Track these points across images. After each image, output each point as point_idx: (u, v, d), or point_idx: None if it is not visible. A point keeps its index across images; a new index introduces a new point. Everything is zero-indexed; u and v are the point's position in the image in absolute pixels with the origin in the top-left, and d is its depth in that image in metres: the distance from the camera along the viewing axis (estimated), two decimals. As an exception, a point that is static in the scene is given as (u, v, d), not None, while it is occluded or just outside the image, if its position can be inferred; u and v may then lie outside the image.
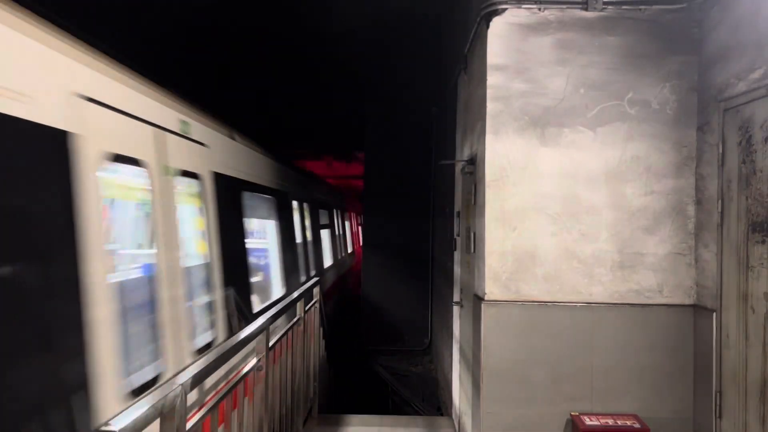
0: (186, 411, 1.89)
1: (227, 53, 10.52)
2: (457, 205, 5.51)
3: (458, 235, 5.37)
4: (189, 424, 1.96)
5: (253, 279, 4.50)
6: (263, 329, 3.02)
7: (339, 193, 14.57)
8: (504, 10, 3.69)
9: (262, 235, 5.54)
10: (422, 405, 8.53)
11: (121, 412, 1.64)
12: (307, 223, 7.98)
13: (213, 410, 2.24)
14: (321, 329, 5.31)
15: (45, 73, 1.93)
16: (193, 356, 2.99)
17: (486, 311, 3.64)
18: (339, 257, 12.62)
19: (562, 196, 3.65)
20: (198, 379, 2.04)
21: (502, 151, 3.67)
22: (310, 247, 7.92)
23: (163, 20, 8.42)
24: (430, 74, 9.10)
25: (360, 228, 17.44)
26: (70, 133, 2.01)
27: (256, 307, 4.33)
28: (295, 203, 6.79)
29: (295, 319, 4.07)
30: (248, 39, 9.95)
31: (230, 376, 3.09)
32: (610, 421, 3.43)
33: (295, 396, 4.06)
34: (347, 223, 16.65)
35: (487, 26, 3.72)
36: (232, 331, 3.56)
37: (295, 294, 4.15)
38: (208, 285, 3.42)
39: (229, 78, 11.84)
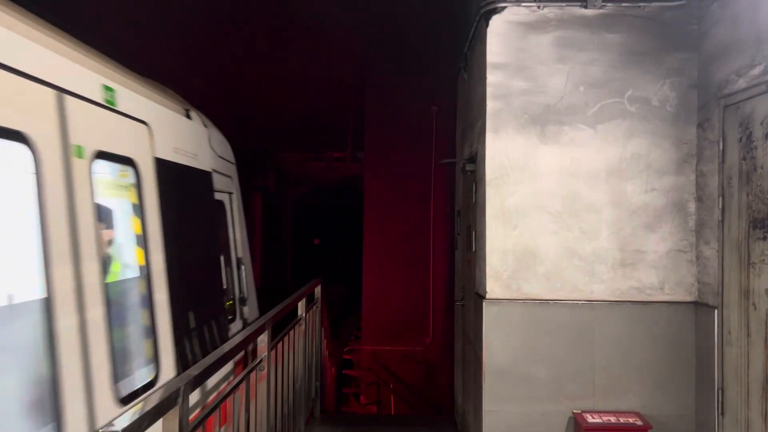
0: (188, 411, 1.90)
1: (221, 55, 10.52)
2: (458, 204, 5.51)
3: (459, 234, 5.37)
4: (191, 424, 1.95)
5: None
6: (265, 328, 3.02)
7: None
8: (503, 8, 3.69)
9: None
10: (423, 404, 8.53)
11: (123, 413, 1.64)
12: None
13: (215, 410, 2.24)
14: (322, 329, 5.30)
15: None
16: None
17: (487, 310, 3.63)
18: None
19: (562, 194, 3.65)
20: (200, 379, 2.04)
21: (503, 149, 3.67)
22: None
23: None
24: (430, 72, 9.09)
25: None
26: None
27: None
28: None
29: (296, 319, 4.07)
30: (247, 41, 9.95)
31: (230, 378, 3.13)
32: (612, 419, 3.43)
33: (296, 396, 4.06)
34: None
35: (487, 25, 3.72)
36: None
37: (296, 294, 4.15)
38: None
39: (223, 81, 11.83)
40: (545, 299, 3.63)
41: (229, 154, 3.99)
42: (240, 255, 3.93)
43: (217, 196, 3.66)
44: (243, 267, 3.93)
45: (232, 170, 4.04)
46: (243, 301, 3.80)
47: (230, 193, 3.89)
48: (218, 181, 3.60)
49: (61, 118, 1.90)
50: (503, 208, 3.66)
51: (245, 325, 3.70)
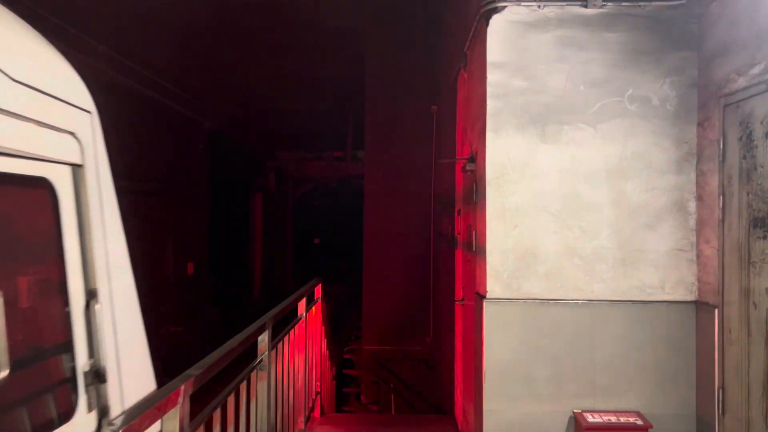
0: (188, 410, 1.90)
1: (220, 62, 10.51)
2: (458, 203, 5.52)
3: (459, 233, 5.37)
4: (191, 424, 1.96)
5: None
6: (265, 328, 3.02)
7: None
8: (503, 7, 3.69)
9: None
10: (424, 404, 8.54)
11: (123, 413, 1.64)
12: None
13: (215, 409, 2.24)
14: (323, 328, 5.31)
15: None
16: None
17: (487, 309, 3.64)
18: None
19: (562, 194, 3.65)
20: (200, 379, 2.04)
21: (503, 149, 3.67)
22: None
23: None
24: (430, 72, 9.10)
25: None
26: None
27: None
28: None
29: (297, 318, 4.07)
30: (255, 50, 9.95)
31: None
32: (613, 418, 3.43)
33: (297, 395, 4.07)
34: None
35: (487, 24, 3.72)
36: None
37: (296, 294, 4.16)
38: None
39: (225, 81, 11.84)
40: (546, 299, 3.64)
41: (73, 91, 1.91)
42: (94, 285, 1.87)
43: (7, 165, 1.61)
44: (100, 307, 1.85)
45: (80, 123, 1.97)
46: (98, 376, 1.80)
47: (74, 166, 1.87)
48: (10, 134, 1.59)
49: None
50: (503, 207, 3.66)
51: (103, 418, 1.77)
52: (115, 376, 1.84)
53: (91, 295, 1.85)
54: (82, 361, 1.73)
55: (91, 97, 1.99)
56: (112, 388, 1.83)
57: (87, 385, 1.73)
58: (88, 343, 1.79)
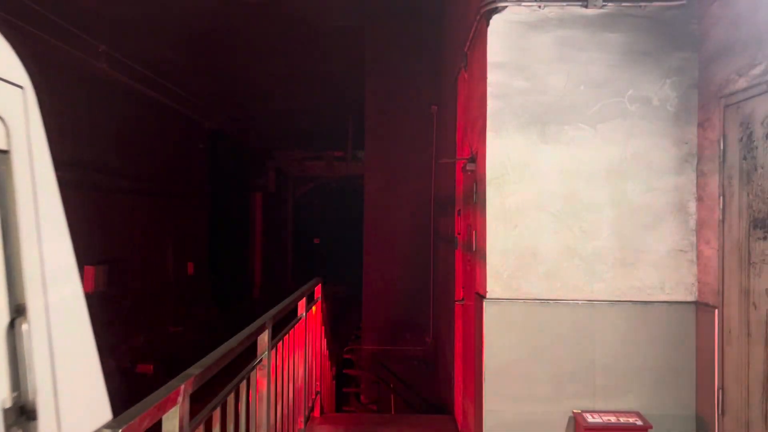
0: (188, 409, 1.90)
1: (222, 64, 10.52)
2: (458, 204, 5.52)
3: (459, 234, 5.37)
4: (191, 423, 1.96)
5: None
6: (265, 328, 3.03)
7: None
8: (504, 8, 3.69)
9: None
10: (423, 404, 8.54)
11: (123, 413, 1.64)
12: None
13: (215, 408, 2.24)
14: (323, 328, 5.31)
15: None
16: None
17: (487, 309, 3.64)
18: None
19: (563, 194, 3.65)
20: (200, 378, 2.04)
21: (503, 149, 3.67)
22: None
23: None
24: (430, 72, 9.10)
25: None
26: None
27: None
28: None
29: (297, 318, 4.08)
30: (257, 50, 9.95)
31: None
32: (612, 419, 3.43)
33: (296, 395, 4.07)
34: None
35: (487, 24, 3.72)
36: None
37: (296, 293, 4.16)
38: None
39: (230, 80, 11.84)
40: (545, 299, 3.64)
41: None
42: (21, 299, 1.44)
43: None
44: (29, 327, 1.43)
45: (6, 100, 1.52)
46: (26, 413, 1.41)
47: None
48: None
49: None
50: (503, 207, 3.66)
51: None
52: (50, 411, 1.49)
53: (17, 312, 1.47)
54: (2, 395, 1.38)
55: (24, 69, 1.59)
56: (45, 426, 1.47)
57: (9, 426, 1.40)
58: (11, 372, 1.42)
